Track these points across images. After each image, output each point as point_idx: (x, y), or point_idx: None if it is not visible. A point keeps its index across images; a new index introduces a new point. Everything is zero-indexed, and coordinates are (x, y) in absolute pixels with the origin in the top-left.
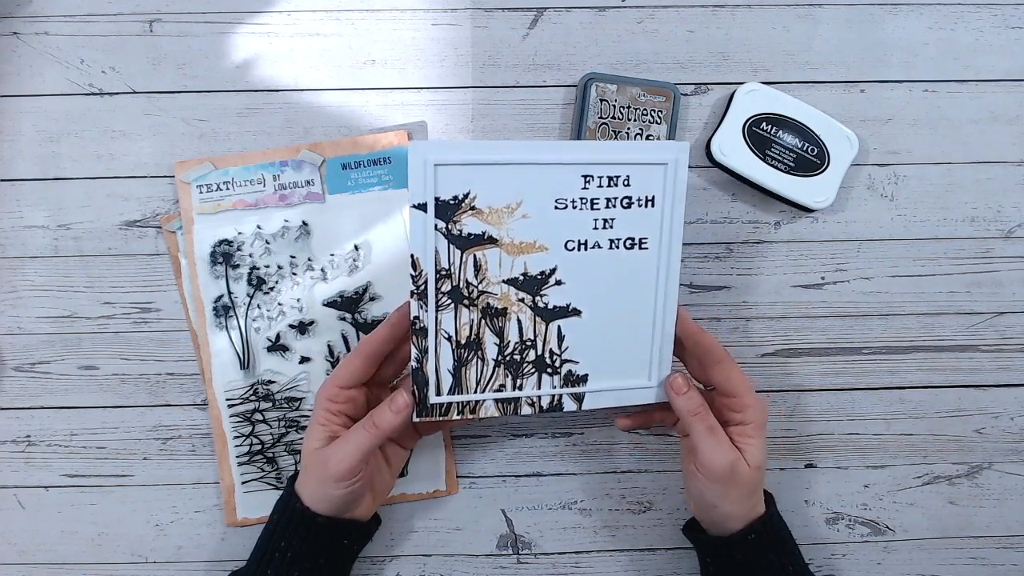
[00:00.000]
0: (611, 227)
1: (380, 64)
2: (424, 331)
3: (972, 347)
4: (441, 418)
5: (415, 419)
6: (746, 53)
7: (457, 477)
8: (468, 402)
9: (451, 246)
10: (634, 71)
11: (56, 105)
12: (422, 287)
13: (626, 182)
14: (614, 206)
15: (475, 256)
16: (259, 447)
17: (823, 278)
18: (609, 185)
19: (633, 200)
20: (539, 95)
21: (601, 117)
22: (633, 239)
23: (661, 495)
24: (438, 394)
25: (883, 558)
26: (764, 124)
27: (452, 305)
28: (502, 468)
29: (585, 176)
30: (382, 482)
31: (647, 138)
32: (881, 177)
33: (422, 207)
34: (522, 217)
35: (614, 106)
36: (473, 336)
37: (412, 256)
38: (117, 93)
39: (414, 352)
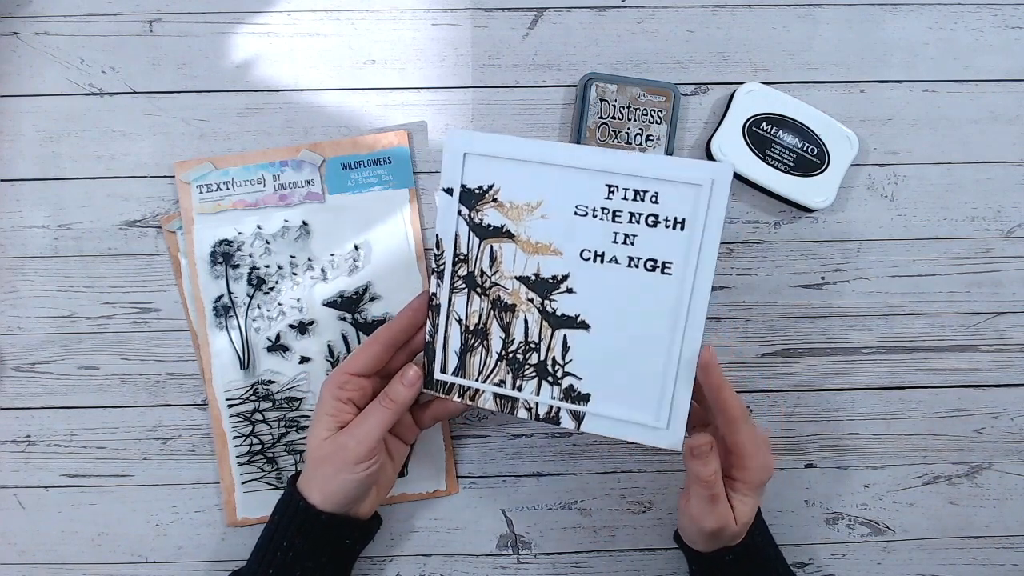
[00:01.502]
0: (632, 243)
1: (380, 64)
2: (439, 307)
3: (972, 347)
4: (444, 395)
5: (422, 389)
6: (746, 53)
7: (457, 477)
8: (468, 388)
9: (471, 233)
10: (634, 71)
11: (56, 105)
12: (441, 266)
13: (654, 199)
14: (638, 222)
15: (492, 247)
16: (259, 447)
17: (823, 278)
18: (635, 199)
19: (660, 219)
20: (539, 95)
21: (601, 117)
22: (655, 261)
23: (661, 495)
24: (443, 371)
25: (883, 558)
26: (764, 124)
27: (466, 290)
28: (502, 468)
29: (610, 186)
30: (385, 477)
31: (647, 138)
32: (881, 177)
33: (449, 191)
34: (541, 217)
35: (614, 106)
36: (481, 324)
37: (436, 236)
38: (117, 93)
39: (428, 326)
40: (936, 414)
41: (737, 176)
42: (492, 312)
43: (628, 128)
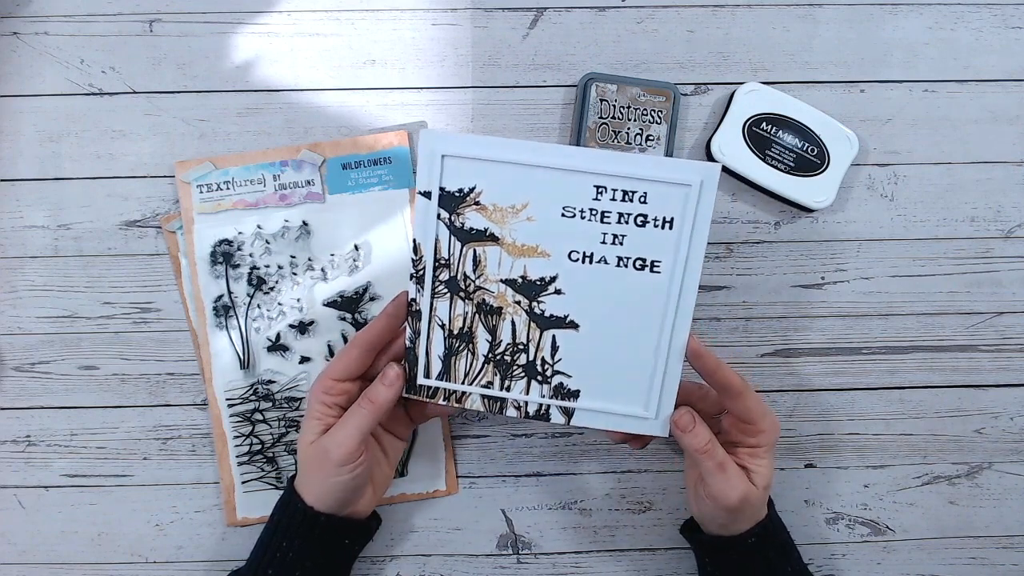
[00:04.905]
0: (621, 244)
1: (380, 64)
2: (419, 314)
3: (972, 347)
4: (428, 399)
5: (404, 394)
6: (746, 53)
7: (457, 477)
8: (454, 392)
9: (452, 237)
10: (634, 71)
11: (56, 105)
12: (420, 272)
13: (642, 199)
14: (627, 222)
15: (475, 251)
16: (259, 447)
17: (823, 278)
18: (624, 200)
19: (648, 219)
20: (539, 95)
21: (601, 117)
22: (644, 260)
23: (661, 495)
24: (426, 376)
25: (883, 558)
26: (764, 124)
27: (448, 294)
28: (502, 468)
29: (598, 187)
30: (381, 474)
31: (647, 138)
32: (881, 177)
33: (427, 195)
34: (527, 219)
35: (614, 106)
36: (466, 328)
37: (414, 240)
38: (117, 93)
39: (408, 332)
40: (936, 414)
41: (737, 176)
42: (477, 316)
43: (628, 128)
